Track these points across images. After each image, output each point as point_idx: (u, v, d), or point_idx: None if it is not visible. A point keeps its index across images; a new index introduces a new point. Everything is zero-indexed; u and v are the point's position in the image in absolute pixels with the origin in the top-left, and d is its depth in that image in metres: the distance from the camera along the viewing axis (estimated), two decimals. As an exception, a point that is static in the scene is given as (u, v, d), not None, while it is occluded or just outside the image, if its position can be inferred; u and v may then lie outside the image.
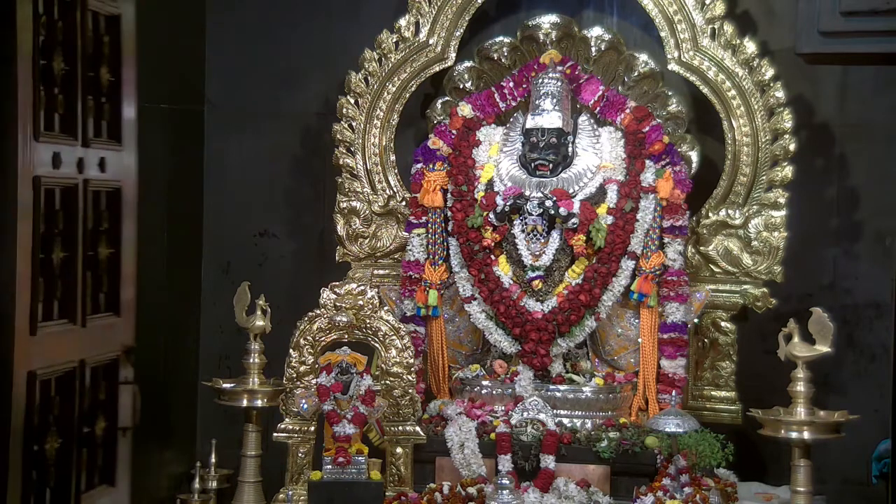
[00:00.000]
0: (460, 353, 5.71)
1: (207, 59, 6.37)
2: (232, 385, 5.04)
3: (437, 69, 5.90)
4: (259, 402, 4.97)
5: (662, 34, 5.65)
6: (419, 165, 5.65)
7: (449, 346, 5.65)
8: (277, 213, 6.37)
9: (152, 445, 5.73)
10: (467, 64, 5.91)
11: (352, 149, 5.92)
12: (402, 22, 5.87)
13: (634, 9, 5.78)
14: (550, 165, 5.44)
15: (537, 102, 5.51)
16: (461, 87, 5.89)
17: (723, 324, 5.67)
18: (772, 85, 5.56)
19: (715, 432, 5.05)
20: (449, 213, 5.55)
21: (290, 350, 5.11)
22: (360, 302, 5.09)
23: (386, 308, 5.24)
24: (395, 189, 5.94)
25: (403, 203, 5.85)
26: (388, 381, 5.07)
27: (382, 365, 5.10)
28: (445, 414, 5.31)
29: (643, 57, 5.72)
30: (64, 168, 4.08)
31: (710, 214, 5.68)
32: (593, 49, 5.75)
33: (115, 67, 4.46)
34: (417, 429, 5.11)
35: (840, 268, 5.84)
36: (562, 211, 5.32)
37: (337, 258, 5.94)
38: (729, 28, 5.58)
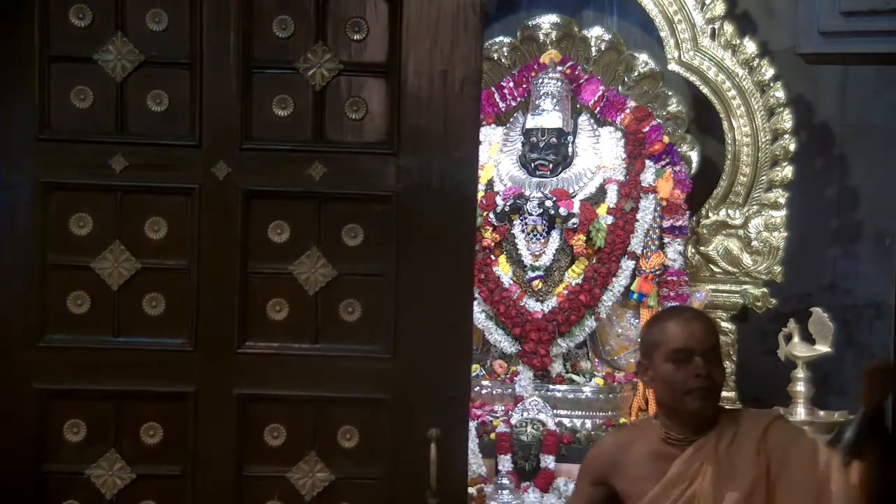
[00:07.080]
0: (460, 353, 5.70)
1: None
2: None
3: (437, 69, 5.89)
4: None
5: (662, 34, 5.64)
6: (419, 165, 5.65)
7: (449, 346, 5.65)
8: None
9: None
10: (467, 64, 5.90)
11: (352, 149, 5.91)
12: (402, 22, 5.86)
13: (634, 9, 5.78)
14: (550, 165, 5.44)
15: (537, 102, 5.51)
16: (461, 87, 5.88)
17: (723, 324, 5.66)
18: (772, 85, 5.56)
19: (715, 432, 5.04)
20: (449, 213, 5.54)
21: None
22: (360, 302, 5.08)
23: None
24: (395, 189, 5.93)
25: (403, 203, 5.83)
26: (388, 381, 5.06)
27: (382, 365, 5.09)
28: (445, 414, 5.30)
29: (643, 57, 5.72)
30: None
31: (710, 214, 5.68)
32: (593, 49, 5.74)
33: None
34: (417, 429, 5.11)
35: (840, 268, 5.83)
36: (562, 211, 5.32)
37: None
38: (729, 28, 5.58)
